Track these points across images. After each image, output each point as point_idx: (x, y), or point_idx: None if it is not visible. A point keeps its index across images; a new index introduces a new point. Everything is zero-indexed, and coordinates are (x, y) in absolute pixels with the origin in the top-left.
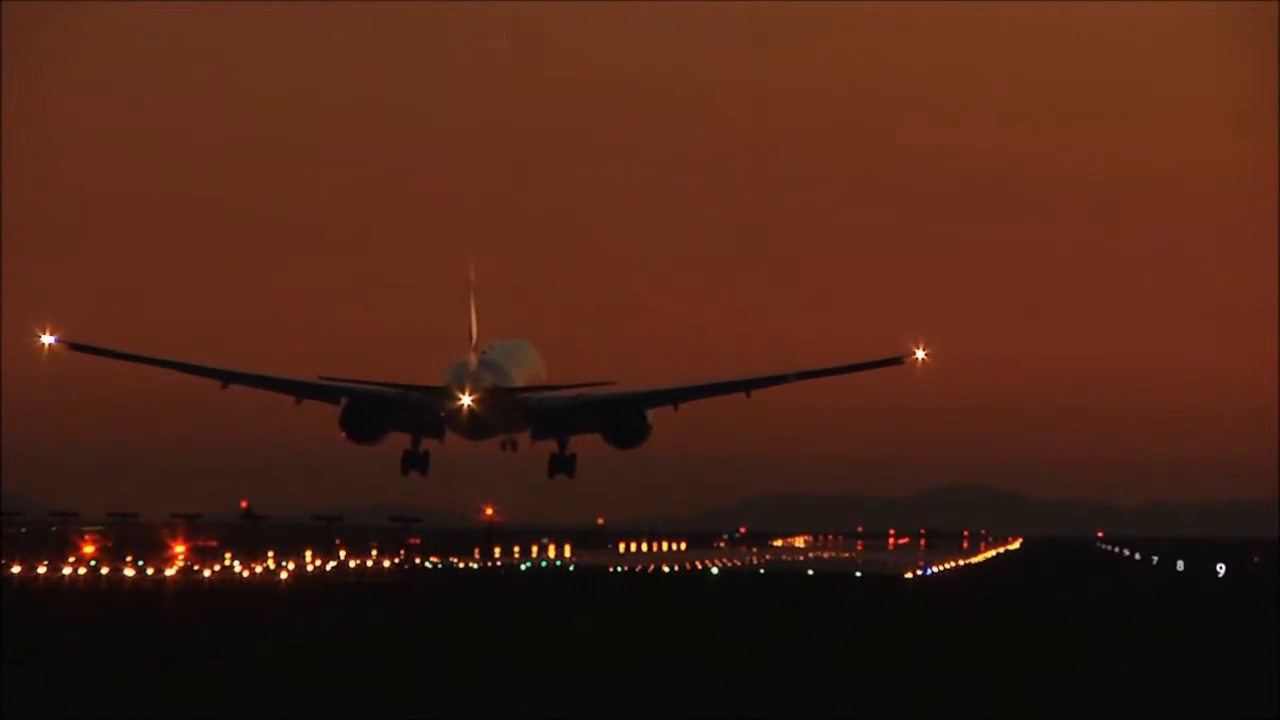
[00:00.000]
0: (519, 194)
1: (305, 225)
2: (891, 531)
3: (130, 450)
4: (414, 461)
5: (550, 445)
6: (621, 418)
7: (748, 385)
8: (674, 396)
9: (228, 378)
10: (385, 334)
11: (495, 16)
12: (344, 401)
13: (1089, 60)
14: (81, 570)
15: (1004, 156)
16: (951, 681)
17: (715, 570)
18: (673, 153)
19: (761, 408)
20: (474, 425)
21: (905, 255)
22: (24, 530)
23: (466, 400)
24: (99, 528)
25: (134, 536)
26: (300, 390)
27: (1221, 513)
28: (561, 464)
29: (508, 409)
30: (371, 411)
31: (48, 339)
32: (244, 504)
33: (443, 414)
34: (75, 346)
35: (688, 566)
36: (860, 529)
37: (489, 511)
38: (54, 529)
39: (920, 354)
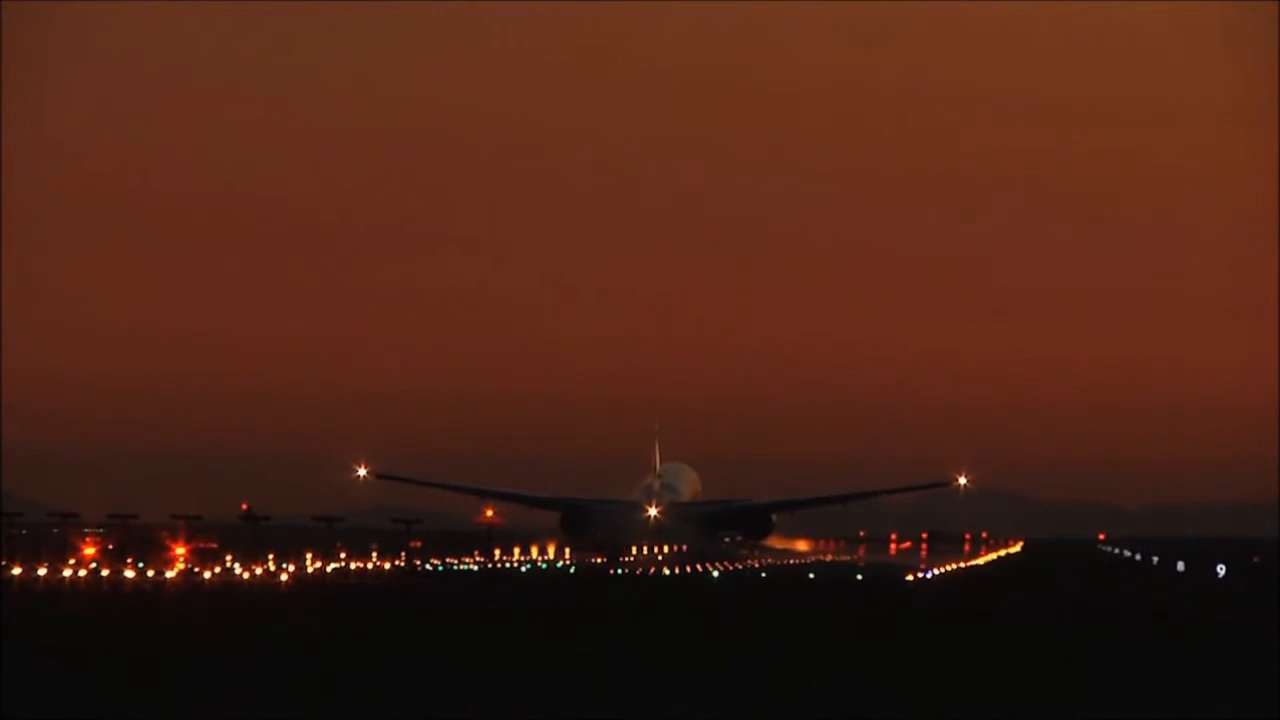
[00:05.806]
0: (590, 195)
1: (372, 226)
2: (894, 535)
3: (130, 450)
4: (613, 551)
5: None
6: (757, 521)
7: (846, 499)
8: (792, 506)
9: (482, 494)
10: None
11: (561, 14)
12: (563, 510)
13: (1086, 59)
14: (82, 572)
15: (999, 156)
16: (946, 683)
17: (716, 573)
18: (743, 155)
19: (761, 410)
20: (657, 530)
21: (905, 256)
22: (24, 531)
23: (653, 513)
24: (99, 529)
25: (134, 538)
26: (532, 502)
27: (1223, 513)
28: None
29: (679, 518)
30: (582, 517)
31: (361, 472)
32: (244, 505)
33: (635, 522)
34: (380, 476)
35: (689, 569)
36: (862, 533)
37: (489, 513)
38: (54, 530)
39: (963, 480)
